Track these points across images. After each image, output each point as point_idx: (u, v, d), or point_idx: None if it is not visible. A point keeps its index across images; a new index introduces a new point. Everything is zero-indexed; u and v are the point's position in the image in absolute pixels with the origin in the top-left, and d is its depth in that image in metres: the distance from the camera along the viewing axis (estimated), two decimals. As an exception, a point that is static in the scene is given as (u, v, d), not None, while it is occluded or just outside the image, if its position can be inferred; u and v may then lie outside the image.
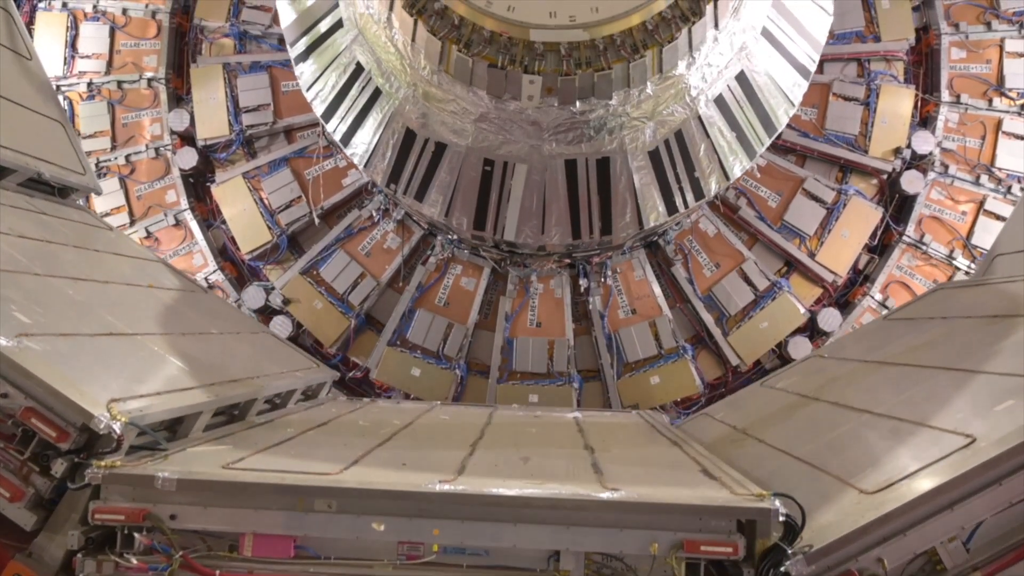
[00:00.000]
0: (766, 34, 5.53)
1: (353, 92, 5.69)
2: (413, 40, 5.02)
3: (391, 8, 5.00)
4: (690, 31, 4.82)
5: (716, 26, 5.04)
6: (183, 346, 3.18)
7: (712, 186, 5.82)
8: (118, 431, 2.43)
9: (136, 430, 2.54)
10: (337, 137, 6.00)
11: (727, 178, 5.84)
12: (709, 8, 4.80)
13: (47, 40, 8.23)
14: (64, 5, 8.26)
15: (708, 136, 5.60)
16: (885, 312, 4.72)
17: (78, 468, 2.46)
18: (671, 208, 5.82)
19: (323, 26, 5.79)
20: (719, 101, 5.52)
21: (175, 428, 2.93)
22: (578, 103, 5.03)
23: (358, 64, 5.65)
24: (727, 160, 5.77)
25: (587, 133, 5.30)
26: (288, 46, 6.08)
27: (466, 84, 5.02)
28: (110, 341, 2.86)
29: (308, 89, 5.98)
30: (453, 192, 5.77)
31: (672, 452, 3.18)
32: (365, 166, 5.96)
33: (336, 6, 5.68)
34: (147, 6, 8.26)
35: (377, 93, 5.63)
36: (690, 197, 5.82)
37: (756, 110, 5.71)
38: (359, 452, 2.83)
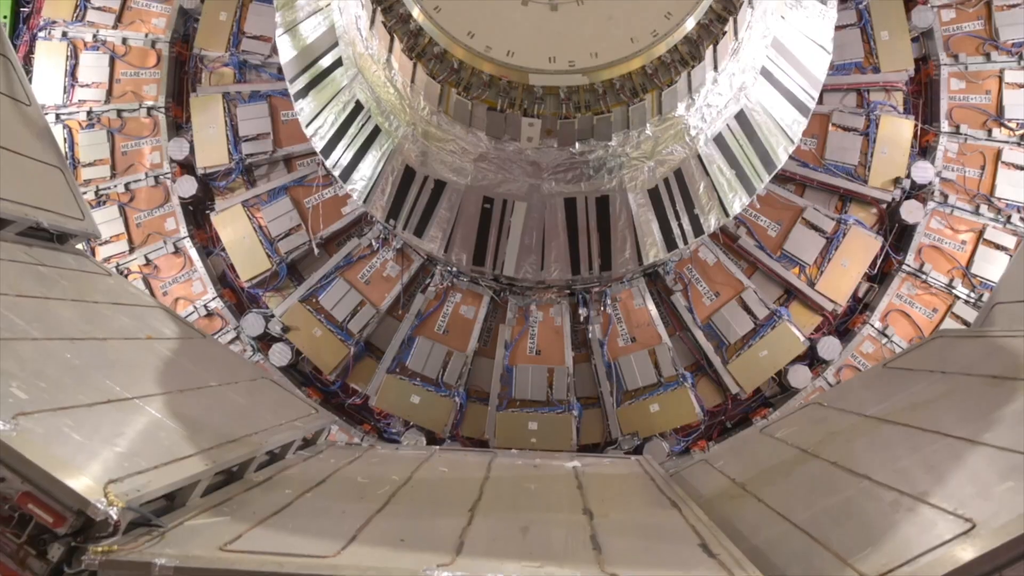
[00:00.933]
0: (765, 73, 5.53)
1: (352, 130, 5.69)
2: (412, 81, 5.03)
3: (390, 50, 5.00)
4: (689, 75, 4.83)
5: (716, 68, 5.04)
6: (181, 406, 3.17)
7: (712, 223, 5.83)
8: (115, 516, 2.42)
9: (133, 513, 2.52)
10: (336, 173, 6.01)
11: (727, 214, 5.84)
12: (708, 52, 4.80)
13: (47, 69, 8.26)
14: (64, 35, 8.28)
15: (708, 174, 5.60)
16: (886, 359, 4.71)
17: (75, 552, 2.45)
18: (670, 244, 5.82)
19: (322, 64, 5.80)
20: (718, 140, 5.52)
21: (174, 496, 2.92)
22: (577, 144, 5.04)
23: (357, 102, 5.65)
24: (726, 197, 5.77)
25: (586, 172, 5.30)
26: (287, 82, 6.09)
27: (465, 125, 5.02)
28: (108, 409, 2.85)
29: (307, 125, 5.98)
30: (452, 228, 5.78)
31: (671, 518, 3.16)
32: (364, 201, 5.96)
33: (335, 44, 5.69)
34: (147, 35, 8.28)
35: (376, 131, 5.63)
36: (689, 234, 5.82)
37: (756, 148, 5.71)
38: (358, 522, 2.81)
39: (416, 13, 4.73)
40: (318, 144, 5.96)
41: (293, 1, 5.98)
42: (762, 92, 5.56)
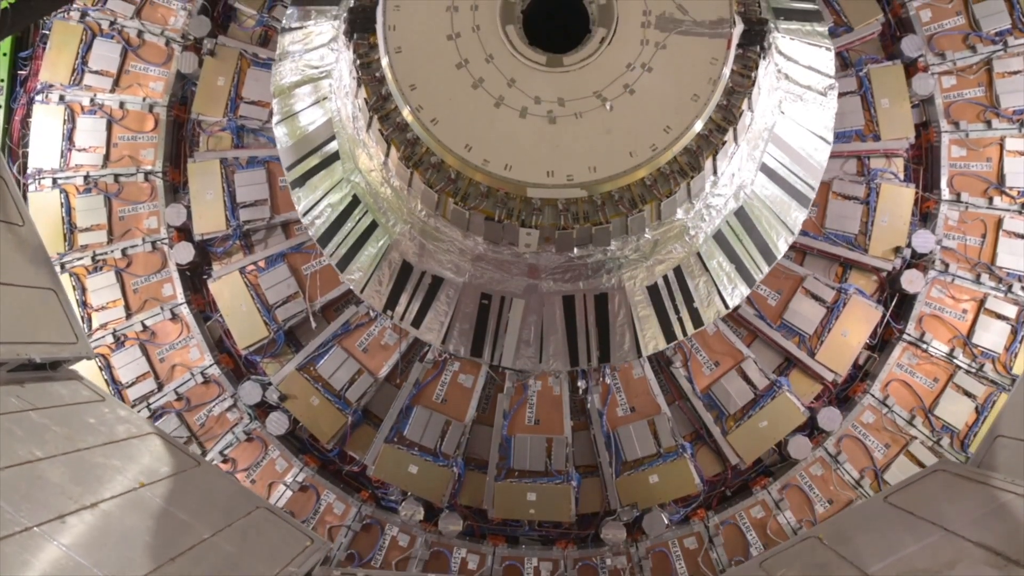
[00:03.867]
0: (765, 169, 5.50)
1: (349, 224, 5.66)
2: (409, 186, 5.00)
3: (387, 155, 4.97)
4: (689, 185, 4.80)
5: (715, 172, 5.01)
6: (175, 576, 3.12)
7: (711, 315, 5.79)
8: None
9: None
10: (333, 262, 5.98)
11: (726, 307, 5.80)
12: (708, 162, 4.77)
13: (44, 133, 8.23)
14: (61, 98, 8.25)
15: (707, 270, 5.57)
16: (886, 491, 4.67)
17: None
18: (670, 337, 5.79)
19: (319, 156, 5.77)
20: (718, 236, 5.49)
21: None
22: (576, 250, 5.00)
23: (355, 196, 5.62)
24: (726, 290, 5.74)
25: (585, 273, 5.27)
26: (284, 169, 6.06)
27: (463, 230, 4.99)
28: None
29: (304, 215, 5.95)
30: (450, 322, 5.74)
31: None
32: (361, 292, 5.93)
33: (332, 138, 5.66)
34: (144, 99, 8.25)
35: (373, 225, 5.60)
36: (689, 326, 5.79)
37: (755, 241, 5.68)
38: None
39: (413, 123, 4.70)
40: (314, 233, 5.93)
41: (290, 90, 5.95)
42: (762, 187, 5.53)
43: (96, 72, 8.30)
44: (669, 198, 4.76)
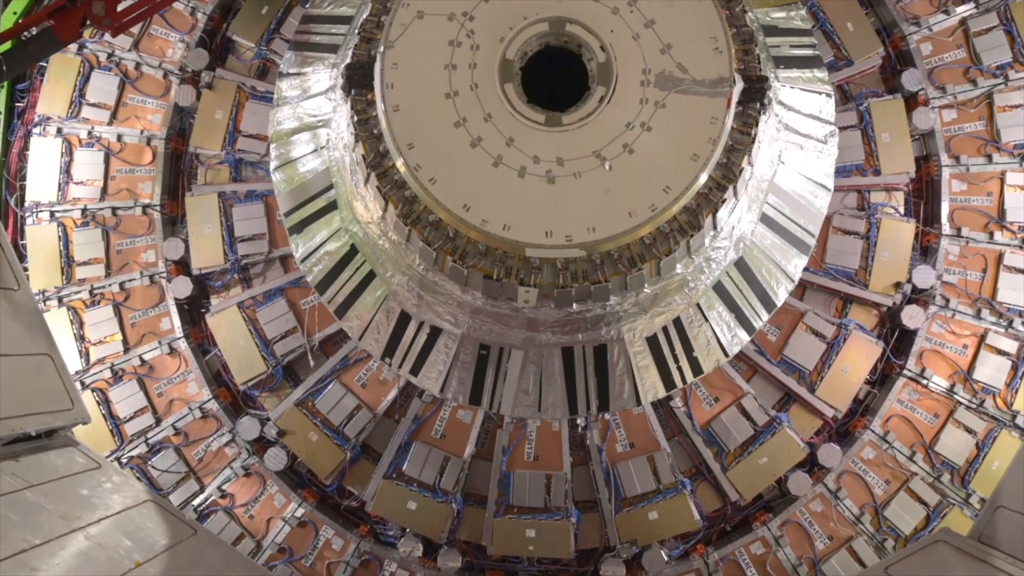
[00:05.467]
0: (765, 219, 5.48)
1: (346, 273, 5.64)
2: (407, 241, 4.97)
3: (385, 210, 4.95)
4: (688, 241, 4.77)
5: (715, 227, 4.98)
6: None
7: (710, 364, 5.77)
8: None
9: None
10: (331, 309, 5.95)
11: (726, 355, 5.78)
12: (708, 220, 4.75)
13: (42, 166, 8.20)
14: (59, 131, 8.21)
15: (707, 320, 5.55)
16: (886, 561, 4.66)
17: None
18: (669, 385, 5.77)
19: (317, 204, 5.74)
20: (718, 287, 5.47)
21: None
22: (575, 305, 4.98)
23: (352, 246, 5.60)
24: (725, 338, 5.72)
25: (584, 325, 5.24)
26: (282, 215, 6.03)
27: (461, 285, 4.96)
28: None
29: (302, 262, 5.92)
30: (449, 371, 5.72)
31: None
32: (360, 339, 5.90)
33: (330, 187, 5.64)
34: (142, 132, 8.22)
35: (372, 275, 5.58)
36: (688, 375, 5.77)
37: (755, 290, 5.66)
38: None
39: (411, 182, 4.68)
40: (312, 280, 5.90)
41: (288, 136, 5.92)
42: (762, 236, 5.51)
43: (94, 104, 8.27)
44: (668, 256, 4.73)
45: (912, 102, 7.98)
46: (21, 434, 3.81)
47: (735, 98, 4.75)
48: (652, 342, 5.47)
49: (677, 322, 5.44)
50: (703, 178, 4.64)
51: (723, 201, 4.71)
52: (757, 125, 4.81)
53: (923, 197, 8.01)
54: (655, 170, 4.72)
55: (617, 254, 4.66)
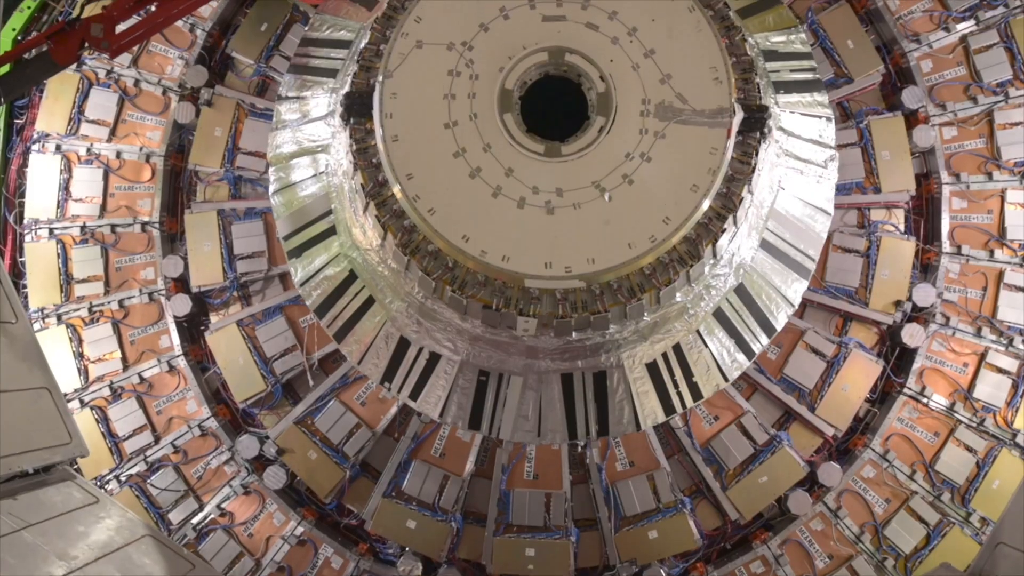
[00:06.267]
0: (765, 245, 5.47)
1: (345, 298, 5.63)
2: (406, 270, 4.96)
3: (384, 239, 4.93)
4: (688, 271, 4.76)
5: (715, 256, 4.97)
6: None
7: (710, 389, 5.76)
8: None
9: None
10: (331, 333, 5.94)
11: (726, 380, 5.77)
12: (708, 249, 4.73)
13: (41, 183, 8.19)
14: (58, 148, 8.20)
15: (707, 345, 5.53)
16: None
17: None
18: (669, 411, 5.75)
19: (316, 229, 5.73)
20: (718, 314, 5.46)
21: None
22: (575, 334, 4.96)
23: (352, 272, 5.58)
24: (725, 363, 5.71)
25: (584, 353, 5.23)
26: (281, 239, 6.01)
27: (460, 314, 4.95)
28: None
29: (301, 286, 5.90)
30: (448, 396, 5.70)
31: None
32: (359, 363, 5.89)
33: (330, 212, 5.62)
34: (141, 149, 8.20)
35: (371, 301, 5.57)
36: (688, 399, 5.76)
37: (755, 315, 5.65)
38: None
39: (410, 212, 4.66)
40: (311, 304, 5.89)
41: (287, 160, 5.90)
42: (762, 262, 5.49)
43: (93, 121, 8.26)
44: (668, 286, 4.72)
45: (912, 119, 7.96)
46: (19, 472, 3.79)
47: (735, 128, 4.74)
48: (652, 368, 5.45)
49: (677, 348, 5.43)
50: (703, 208, 4.63)
51: (723, 231, 4.69)
52: (757, 154, 4.80)
53: (923, 214, 8.00)
54: (655, 201, 4.71)
55: (616, 284, 4.64)
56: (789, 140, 5.48)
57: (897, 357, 7.85)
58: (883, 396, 7.91)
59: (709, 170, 4.72)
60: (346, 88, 5.08)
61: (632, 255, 4.59)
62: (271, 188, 6.11)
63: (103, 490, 7.85)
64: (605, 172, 4.83)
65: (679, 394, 5.64)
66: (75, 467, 7.35)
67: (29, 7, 8.31)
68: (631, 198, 4.75)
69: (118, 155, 8.22)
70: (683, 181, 4.73)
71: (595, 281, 4.59)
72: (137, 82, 8.28)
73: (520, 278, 4.59)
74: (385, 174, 4.80)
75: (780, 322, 5.79)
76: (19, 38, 8.38)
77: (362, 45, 5.14)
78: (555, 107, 5.22)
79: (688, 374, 5.59)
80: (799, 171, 5.56)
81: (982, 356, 7.74)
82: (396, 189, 4.78)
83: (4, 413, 3.92)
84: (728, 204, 4.70)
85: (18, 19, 8.31)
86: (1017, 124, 7.93)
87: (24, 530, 3.59)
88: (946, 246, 7.85)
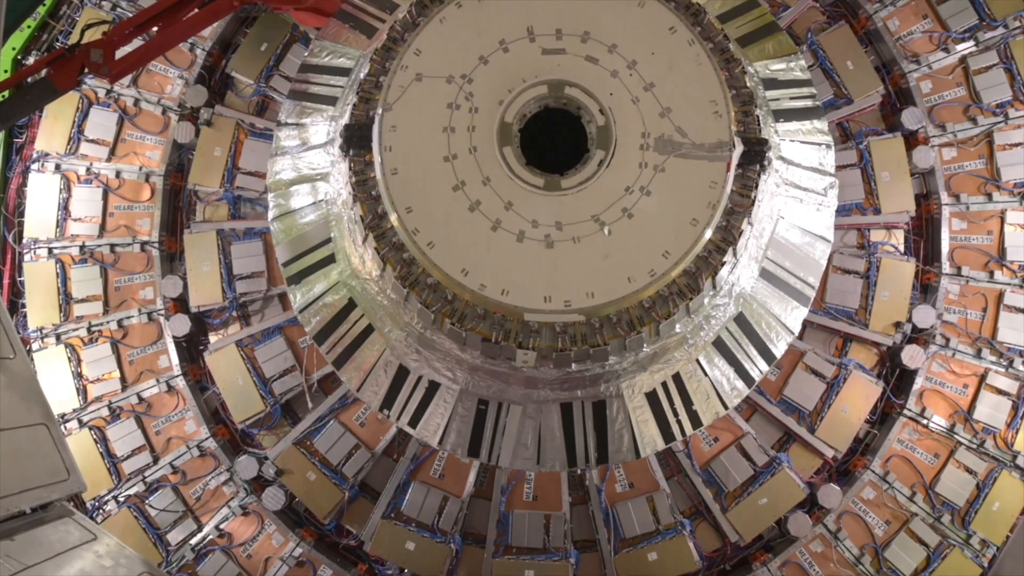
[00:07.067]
0: (764, 274, 5.46)
1: (345, 326, 5.61)
2: (406, 301, 4.95)
3: (383, 270, 4.93)
4: (688, 304, 4.75)
5: (714, 287, 4.97)
6: None
7: (710, 417, 5.75)
8: None
9: None
10: (329, 360, 5.93)
11: (725, 408, 5.76)
12: (708, 282, 4.73)
13: (40, 202, 8.18)
14: (57, 168, 8.19)
15: (707, 374, 5.53)
16: None
17: None
18: (668, 439, 5.74)
19: (315, 256, 5.72)
20: (718, 343, 5.45)
21: None
22: (574, 365, 4.96)
23: (351, 300, 5.57)
24: (725, 391, 5.70)
25: (583, 383, 5.22)
26: (280, 265, 6.01)
27: (459, 345, 4.94)
28: None
29: (300, 312, 5.89)
30: (447, 424, 5.69)
31: None
32: (358, 390, 5.88)
33: (329, 240, 5.61)
34: (141, 168, 8.19)
35: (370, 329, 5.56)
36: (688, 427, 5.75)
37: (755, 343, 5.64)
38: None
39: (409, 245, 4.66)
40: (310, 331, 5.88)
41: (287, 187, 5.90)
42: (761, 291, 5.48)
43: (92, 141, 8.25)
44: (668, 319, 4.71)
45: (912, 140, 7.96)
46: (16, 513, 3.78)
47: (735, 161, 4.73)
48: (651, 397, 5.45)
49: (676, 377, 5.42)
50: (703, 242, 4.62)
51: (723, 263, 4.69)
52: (757, 187, 4.80)
53: (923, 235, 7.99)
54: (654, 235, 4.70)
55: (616, 318, 4.63)
56: (789, 169, 5.48)
57: (897, 378, 7.84)
58: (883, 417, 7.91)
59: (709, 204, 4.71)
60: (345, 118, 5.07)
61: (632, 289, 4.58)
62: (270, 214, 6.10)
63: (102, 510, 7.87)
64: (605, 206, 4.82)
65: (679, 422, 5.63)
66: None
67: (29, 26, 8.31)
68: (631, 232, 4.75)
69: (118, 174, 8.21)
70: (683, 215, 4.72)
71: (595, 315, 4.59)
72: (137, 101, 8.27)
73: (519, 312, 4.58)
74: (384, 207, 4.79)
75: (780, 350, 5.78)
76: (19, 57, 8.39)
77: (362, 75, 5.14)
78: (555, 138, 5.22)
79: (688, 402, 5.58)
80: (799, 199, 5.55)
81: (982, 377, 7.74)
82: (395, 222, 4.78)
83: (3, 452, 3.91)
84: (728, 237, 4.69)
85: (18, 38, 8.31)
86: (1017, 145, 7.93)
87: (21, 573, 3.57)
88: (946, 267, 7.85)
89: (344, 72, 5.73)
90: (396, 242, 4.77)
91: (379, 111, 4.90)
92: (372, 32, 5.75)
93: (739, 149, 4.75)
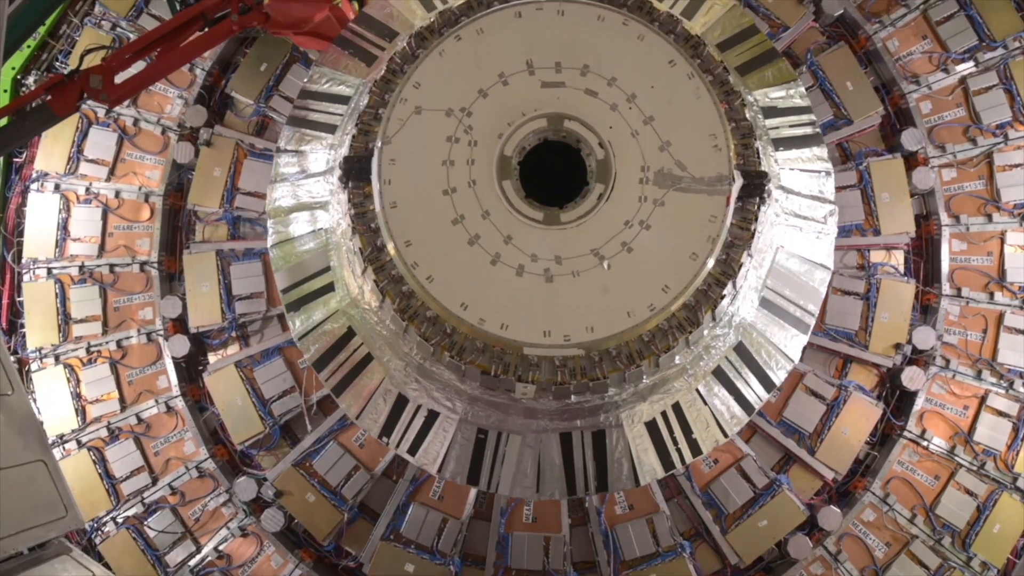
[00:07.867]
0: (764, 303, 5.45)
1: (344, 354, 5.60)
2: (405, 333, 4.94)
3: (382, 302, 4.92)
4: (687, 337, 4.74)
5: (714, 319, 4.96)
6: None
7: (709, 445, 5.73)
8: None
9: None
10: (328, 388, 5.91)
11: (725, 436, 5.74)
12: (707, 315, 4.72)
13: (40, 222, 8.18)
14: (56, 187, 8.19)
15: (706, 403, 5.52)
16: None
17: None
18: (668, 467, 5.72)
19: (314, 284, 5.70)
20: (717, 372, 5.44)
21: None
22: (574, 397, 4.95)
23: (350, 328, 5.57)
24: (724, 420, 5.69)
25: (583, 413, 5.21)
26: (280, 292, 6.00)
27: (459, 376, 4.93)
28: None
29: (299, 339, 5.88)
30: (447, 453, 5.68)
31: None
32: (357, 418, 5.87)
33: (328, 268, 5.60)
34: (140, 188, 8.19)
35: (369, 358, 5.54)
36: (687, 455, 5.73)
37: (754, 371, 5.63)
38: None
39: (408, 279, 4.65)
40: (309, 357, 5.87)
41: (286, 214, 5.89)
42: (761, 320, 5.48)
43: (92, 161, 8.25)
44: (668, 352, 4.70)
45: (912, 161, 7.95)
46: (14, 553, 3.78)
47: (734, 195, 4.73)
48: (651, 426, 5.44)
49: (676, 407, 5.41)
50: (702, 276, 4.61)
51: (722, 296, 4.68)
52: (757, 220, 4.79)
53: (923, 256, 7.98)
54: (654, 269, 4.70)
55: (616, 351, 4.63)
56: (789, 198, 5.47)
57: (897, 400, 7.82)
58: (883, 439, 7.89)
59: (708, 238, 4.71)
60: (344, 149, 5.06)
61: (631, 323, 4.57)
62: (269, 240, 6.09)
63: (100, 531, 7.85)
64: (604, 240, 4.82)
65: (678, 450, 5.62)
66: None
67: (29, 46, 8.31)
68: (630, 266, 4.74)
69: (117, 194, 8.21)
70: (682, 249, 4.71)
71: (594, 349, 4.58)
72: (136, 121, 8.27)
73: (519, 346, 4.58)
74: (383, 239, 4.78)
75: (779, 378, 5.76)
76: (18, 77, 8.38)
77: (361, 104, 5.13)
78: (554, 171, 5.21)
79: (687, 431, 5.57)
80: (798, 228, 5.54)
81: (982, 399, 7.73)
82: (394, 255, 4.77)
83: (2, 493, 3.90)
84: (728, 270, 4.68)
85: (18, 58, 8.31)
86: (1017, 166, 7.92)
87: (19, 617, 3.56)
88: (946, 288, 7.84)
89: (343, 100, 5.73)
90: (395, 275, 4.76)
91: (378, 144, 4.90)
92: (371, 60, 5.75)
93: (739, 183, 4.74)
